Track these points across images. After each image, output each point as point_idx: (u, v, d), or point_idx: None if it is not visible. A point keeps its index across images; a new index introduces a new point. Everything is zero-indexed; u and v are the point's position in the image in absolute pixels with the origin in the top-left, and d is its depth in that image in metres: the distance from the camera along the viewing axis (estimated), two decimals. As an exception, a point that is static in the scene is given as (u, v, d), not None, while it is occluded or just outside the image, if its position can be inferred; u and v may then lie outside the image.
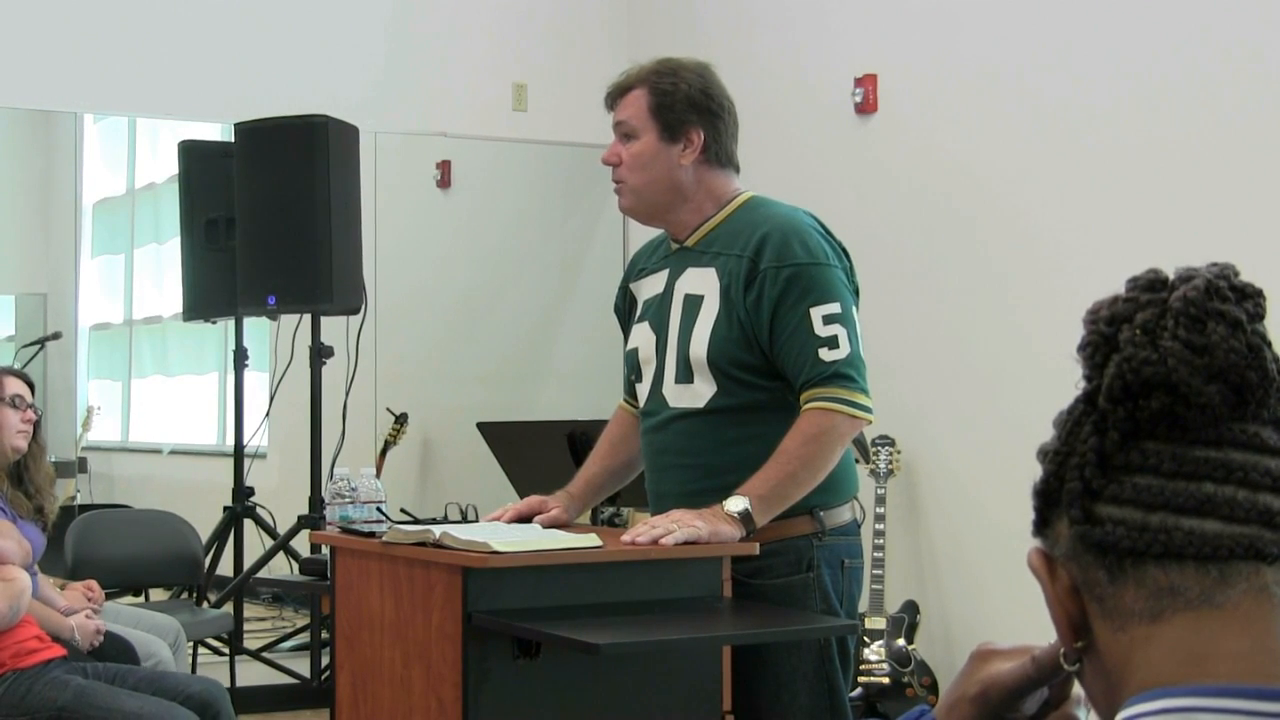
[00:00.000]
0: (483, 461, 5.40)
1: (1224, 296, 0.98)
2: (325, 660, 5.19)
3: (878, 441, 5.18)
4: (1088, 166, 4.80)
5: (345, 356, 5.54)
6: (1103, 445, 0.99)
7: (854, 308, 2.83)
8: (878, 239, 5.19)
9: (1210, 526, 0.95)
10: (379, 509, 3.12)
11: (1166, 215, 4.54)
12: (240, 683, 5.32)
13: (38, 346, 6.35)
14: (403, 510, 3.67)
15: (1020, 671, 1.12)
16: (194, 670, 5.03)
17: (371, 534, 2.89)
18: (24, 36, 5.86)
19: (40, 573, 4.13)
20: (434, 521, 3.02)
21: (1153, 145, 4.61)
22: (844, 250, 2.89)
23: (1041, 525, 1.04)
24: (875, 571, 5.01)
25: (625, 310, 3.09)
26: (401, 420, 6.43)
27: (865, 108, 5.57)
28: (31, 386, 4.37)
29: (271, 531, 5.82)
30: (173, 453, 7.35)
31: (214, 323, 6.30)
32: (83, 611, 4.13)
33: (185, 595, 5.78)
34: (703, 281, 2.86)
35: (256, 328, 6.20)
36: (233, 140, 5.51)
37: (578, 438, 4.75)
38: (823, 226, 2.89)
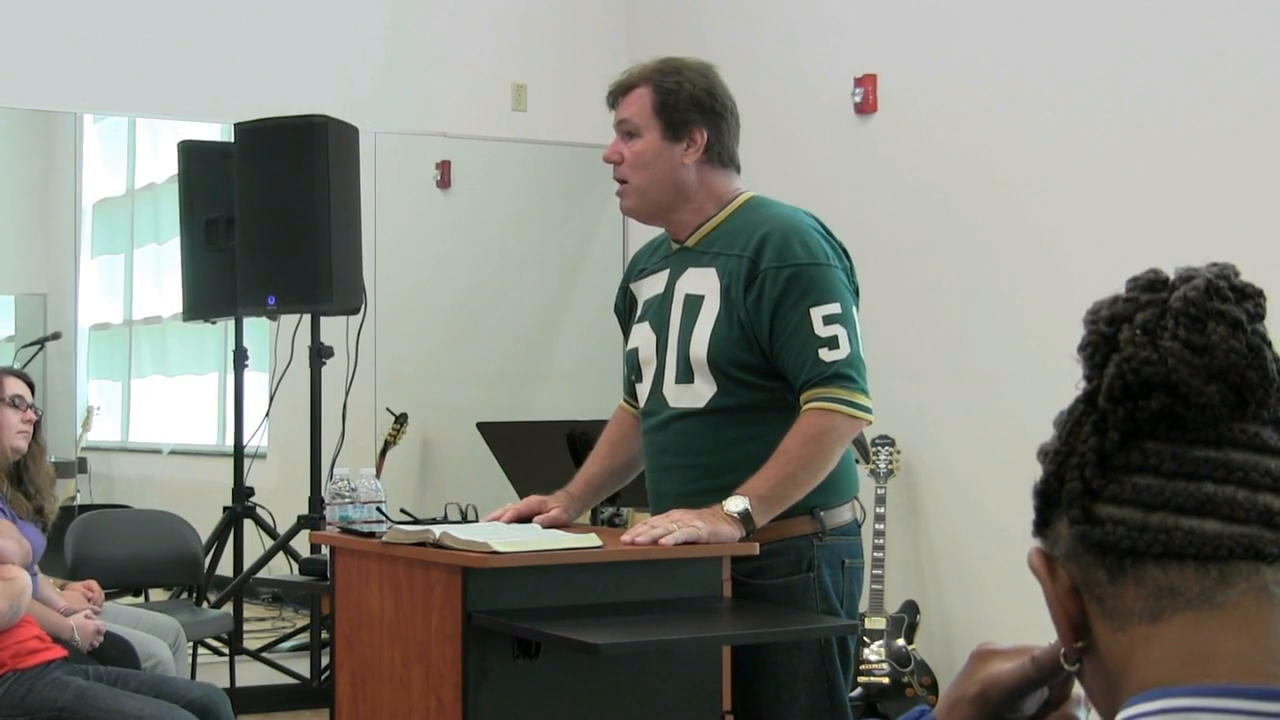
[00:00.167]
0: (483, 461, 5.39)
1: (1224, 296, 0.98)
2: (325, 660, 5.19)
3: (878, 441, 5.18)
4: (1088, 166, 4.80)
5: (345, 356, 5.54)
6: (1103, 445, 0.99)
7: (854, 308, 2.83)
8: (877, 239, 5.19)
9: (1210, 526, 0.95)
10: (379, 509, 3.11)
11: (1167, 215, 4.54)
12: (240, 683, 5.32)
13: (38, 346, 6.34)
14: (403, 510, 3.67)
15: (1020, 671, 1.12)
16: (194, 670, 5.04)
17: (371, 534, 2.89)
18: (24, 36, 5.86)
19: (40, 573, 4.13)
20: (434, 521, 3.02)
21: (1153, 145, 4.61)
22: (844, 250, 2.89)
23: (1041, 525, 1.04)
24: (875, 571, 5.01)
25: (625, 310, 3.09)
26: (401, 420, 6.43)
27: (865, 108, 5.57)
28: (31, 387, 4.37)
29: (271, 531, 5.82)
30: (173, 453, 7.35)
31: (214, 323, 6.30)
32: (83, 612, 4.13)
33: (185, 595, 5.78)
34: (703, 281, 2.86)
35: (256, 328, 6.20)
36: (233, 140, 5.51)
37: (578, 438, 4.75)
38: (823, 227, 2.89)
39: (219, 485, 6.07)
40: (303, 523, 5.49)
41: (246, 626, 6.03)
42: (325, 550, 3.41)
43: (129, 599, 5.43)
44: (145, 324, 7.16)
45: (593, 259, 6.94)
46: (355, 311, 5.50)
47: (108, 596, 4.56)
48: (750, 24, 6.11)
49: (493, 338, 6.90)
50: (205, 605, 5.57)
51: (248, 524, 5.94)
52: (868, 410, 2.77)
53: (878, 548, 5.05)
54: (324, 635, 5.25)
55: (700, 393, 2.83)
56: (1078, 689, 1.12)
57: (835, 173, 5.63)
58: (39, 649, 3.80)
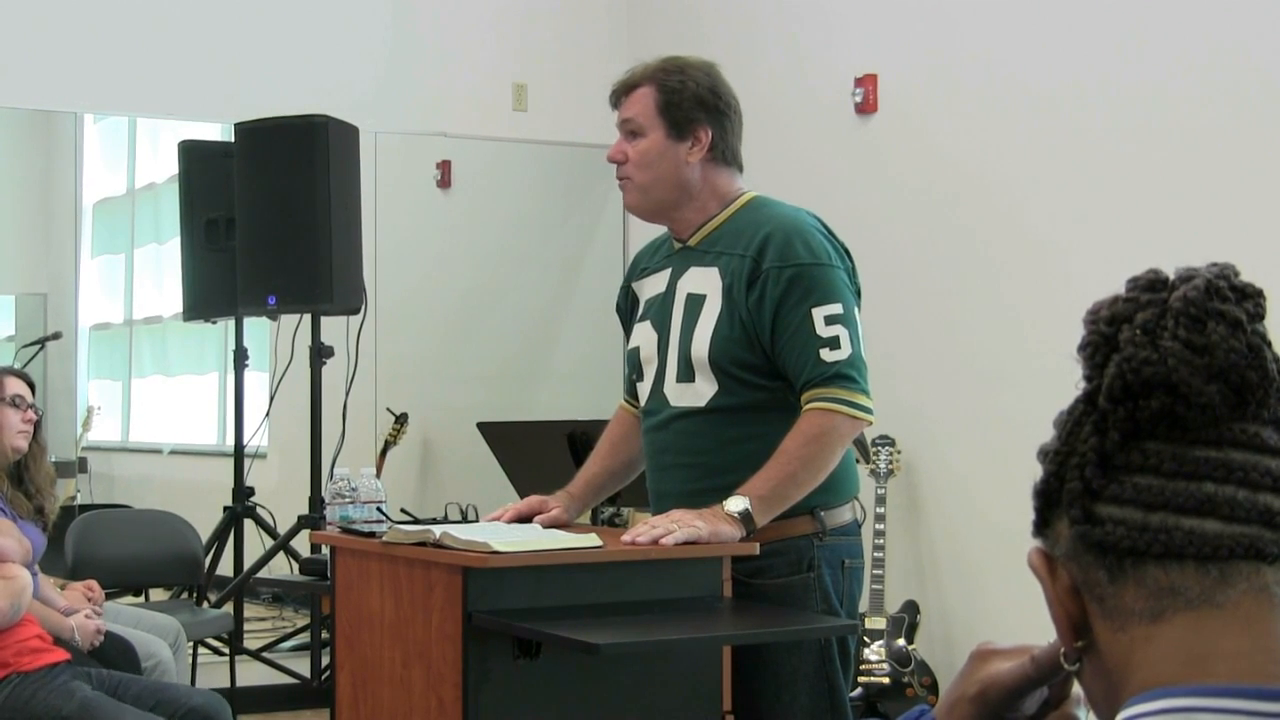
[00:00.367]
0: (483, 461, 5.40)
1: (1224, 296, 0.98)
2: (325, 660, 5.19)
3: (878, 441, 5.18)
4: (1088, 166, 4.80)
5: (345, 356, 5.54)
6: (1103, 445, 0.99)
7: (856, 308, 2.83)
8: (877, 239, 5.19)
9: (1210, 526, 0.95)
10: (379, 509, 3.12)
11: (1166, 215, 4.54)
12: (240, 683, 5.32)
13: (38, 346, 6.35)
14: (403, 510, 3.67)
15: (1020, 671, 1.12)
16: (194, 670, 5.04)
17: (371, 534, 2.89)
18: (24, 36, 5.86)
19: (40, 573, 4.13)
20: (434, 521, 3.02)
21: (1152, 145, 4.61)
22: (846, 251, 2.89)
23: (1042, 525, 1.04)
24: (875, 571, 5.01)
25: (627, 310, 3.09)
26: (401, 420, 6.43)
27: (865, 108, 5.57)
28: (32, 386, 4.38)
29: (271, 531, 5.82)
30: (173, 453, 7.35)
31: (214, 323, 6.30)
32: (83, 611, 4.13)
33: (185, 595, 5.78)
34: (705, 281, 2.87)
35: (256, 328, 6.19)
36: (233, 140, 5.51)
37: (578, 438, 4.75)
38: (825, 227, 2.89)
39: (219, 485, 6.07)
40: (303, 523, 5.49)
41: (247, 626, 6.03)
42: (325, 550, 3.41)
43: (129, 599, 5.43)
44: (145, 324, 7.16)
45: (593, 259, 6.94)
46: (355, 311, 5.50)
47: (108, 596, 4.56)
48: (750, 24, 6.11)
49: (493, 338, 6.90)
50: (205, 605, 5.57)
51: (248, 524, 5.94)
52: (868, 411, 2.77)
53: (878, 548, 5.05)
54: (324, 635, 5.25)
55: (701, 392, 2.83)
56: (1077, 689, 1.12)
57: (835, 173, 5.63)
58: (41, 649, 3.80)
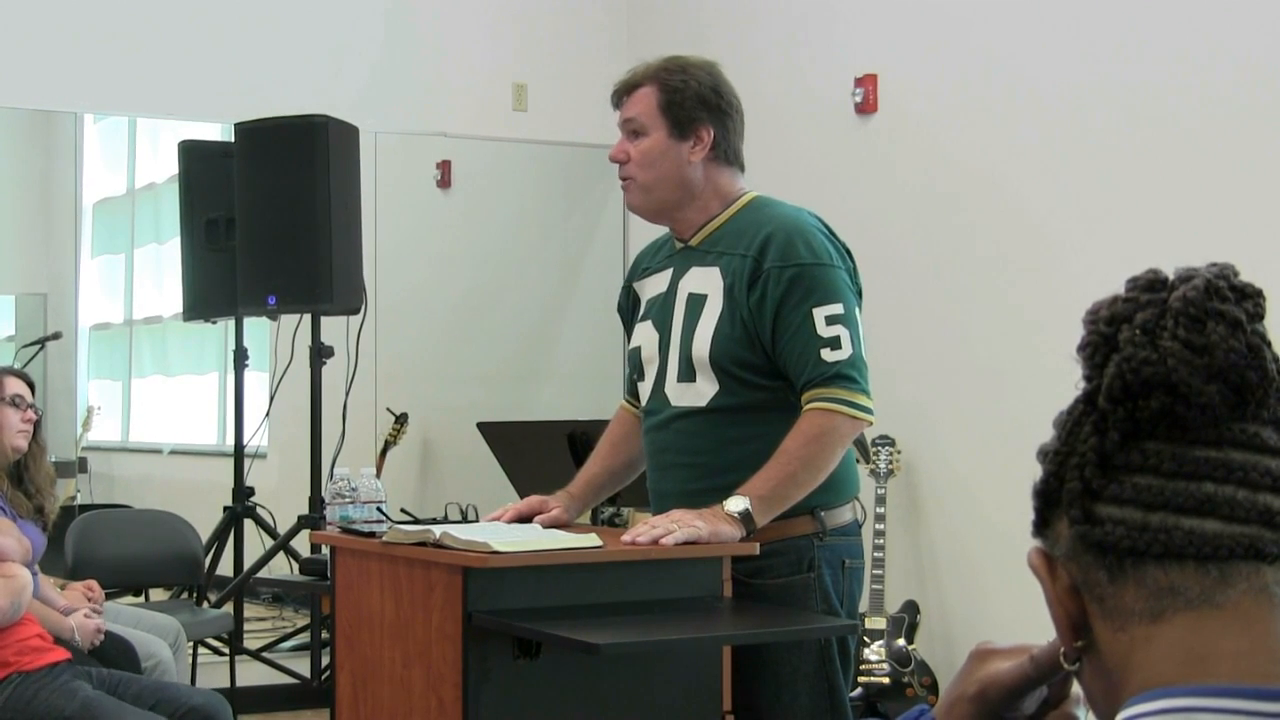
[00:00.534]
0: (483, 461, 5.40)
1: (1224, 296, 0.98)
2: (325, 660, 5.19)
3: (878, 441, 5.18)
4: (1088, 166, 4.80)
5: (345, 356, 5.54)
6: (1103, 445, 0.99)
7: (857, 309, 2.83)
8: (877, 239, 5.18)
9: (1210, 526, 0.95)
10: (379, 509, 3.12)
11: (1167, 215, 4.54)
12: (240, 683, 5.32)
13: (38, 346, 6.35)
14: (403, 510, 3.67)
15: (1019, 671, 1.12)
16: (194, 670, 5.04)
17: (371, 534, 2.89)
18: (24, 36, 5.86)
19: (40, 573, 4.13)
20: (434, 521, 3.02)
21: (1152, 145, 4.61)
22: (848, 251, 2.89)
23: (1041, 525, 1.04)
24: (875, 571, 5.01)
25: (629, 309, 3.10)
26: (401, 420, 6.43)
27: (865, 108, 5.57)
28: (32, 386, 4.38)
29: (271, 531, 5.82)
30: (173, 453, 7.35)
31: (214, 323, 6.30)
32: (83, 610, 4.13)
33: (185, 595, 5.78)
34: (706, 281, 2.87)
35: (256, 328, 6.19)
36: (233, 140, 5.51)
37: (578, 438, 4.75)
38: (827, 227, 2.89)
39: (219, 485, 6.07)
40: (303, 523, 5.49)
41: (247, 626, 6.03)
42: (325, 550, 3.41)
43: (129, 599, 5.43)
44: (145, 324, 7.16)
45: (593, 259, 6.94)
46: (355, 311, 5.50)
47: (108, 596, 4.56)
48: (750, 24, 6.11)
49: (493, 338, 6.90)
50: (205, 605, 5.57)
51: (248, 524, 5.94)
52: (869, 411, 2.77)
53: (878, 548, 5.05)
54: (324, 635, 5.25)
55: (702, 392, 2.83)
56: (1077, 689, 1.12)
57: (835, 173, 5.63)
58: (42, 648, 3.80)
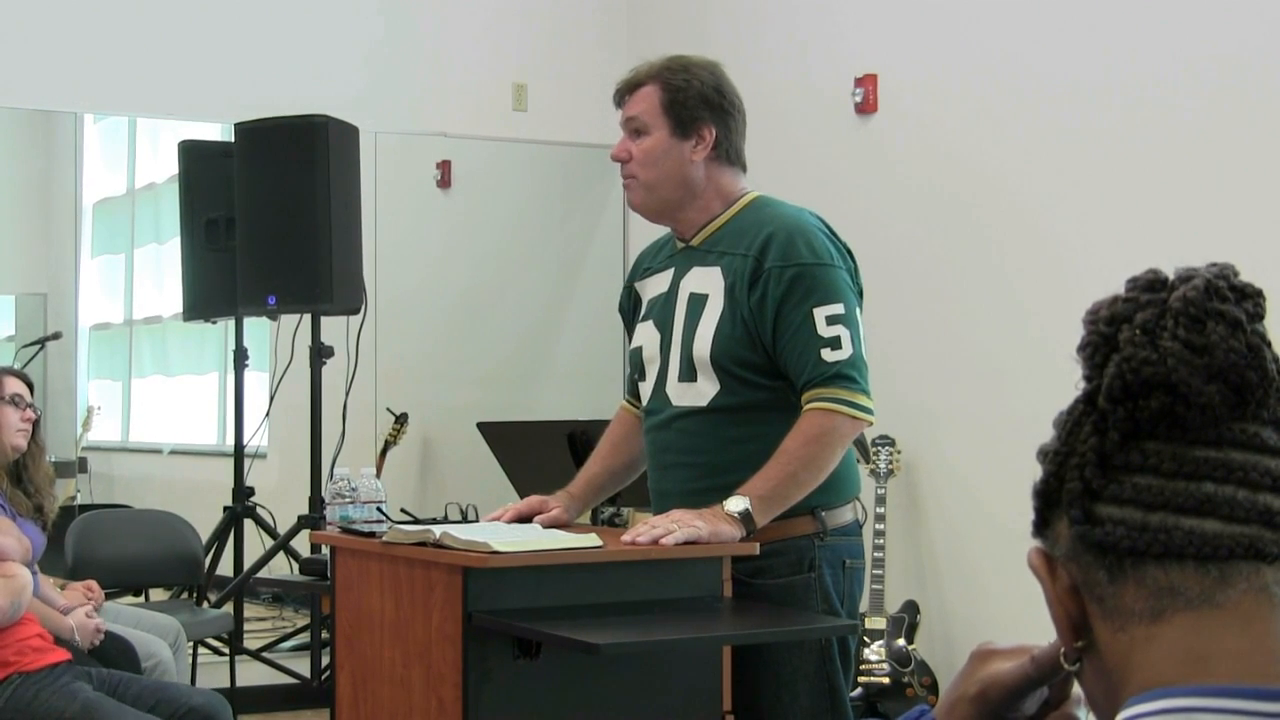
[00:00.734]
0: (483, 461, 5.40)
1: (1224, 296, 0.98)
2: (325, 660, 5.19)
3: (878, 441, 5.18)
4: (1088, 165, 4.80)
5: (345, 356, 5.54)
6: (1103, 445, 0.99)
7: (858, 309, 2.83)
8: (877, 239, 5.18)
9: (1210, 526, 0.95)
10: (379, 509, 3.12)
11: (1167, 215, 4.54)
12: (240, 683, 5.32)
13: (38, 346, 6.35)
14: (403, 510, 3.67)
15: (1020, 671, 1.12)
16: (194, 670, 5.04)
17: (371, 534, 2.89)
18: (24, 36, 5.86)
19: (40, 573, 4.13)
20: (434, 521, 3.02)
21: (1153, 145, 4.61)
22: (849, 251, 2.89)
23: (1041, 525, 1.04)
24: (875, 571, 5.01)
25: (630, 309, 3.10)
26: (401, 420, 6.43)
27: (865, 108, 5.57)
28: (30, 386, 4.38)
29: (271, 531, 5.82)
30: (173, 453, 7.35)
31: (214, 323, 6.30)
32: (82, 610, 4.13)
33: (185, 595, 5.78)
34: (708, 280, 2.87)
35: (256, 328, 6.20)
36: (233, 140, 5.51)
37: (578, 438, 4.75)
38: (828, 227, 2.89)
39: (219, 485, 6.07)
40: (303, 523, 5.49)
41: (247, 626, 6.03)
42: (325, 550, 3.41)
43: (129, 599, 5.42)
44: (145, 324, 7.16)
45: (593, 259, 6.94)
46: (355, 311, 5.50)
47: (108, 596, 4.56)
48: (750, 24, 6.11)
49: (493, 338, 6.90)
50: (205, 605, 5.57)
51: (248, 524, 5.94)
52: (869, 411, 2.77)
53: (878, 548, 5.05)
54: (324, 635, 5.25)
55: (703, 391, 2.83)
56: (1077, 689, 1.12)
57: (835, 173, 5.63)
58: (43, 648, 3.80)
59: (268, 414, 6.10)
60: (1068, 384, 1.03)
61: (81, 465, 6.46)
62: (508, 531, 2.77)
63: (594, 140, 6.14)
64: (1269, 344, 0.99)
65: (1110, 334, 1.00)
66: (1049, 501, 1.02)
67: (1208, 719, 0.92)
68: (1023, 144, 5.01)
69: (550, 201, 7.15)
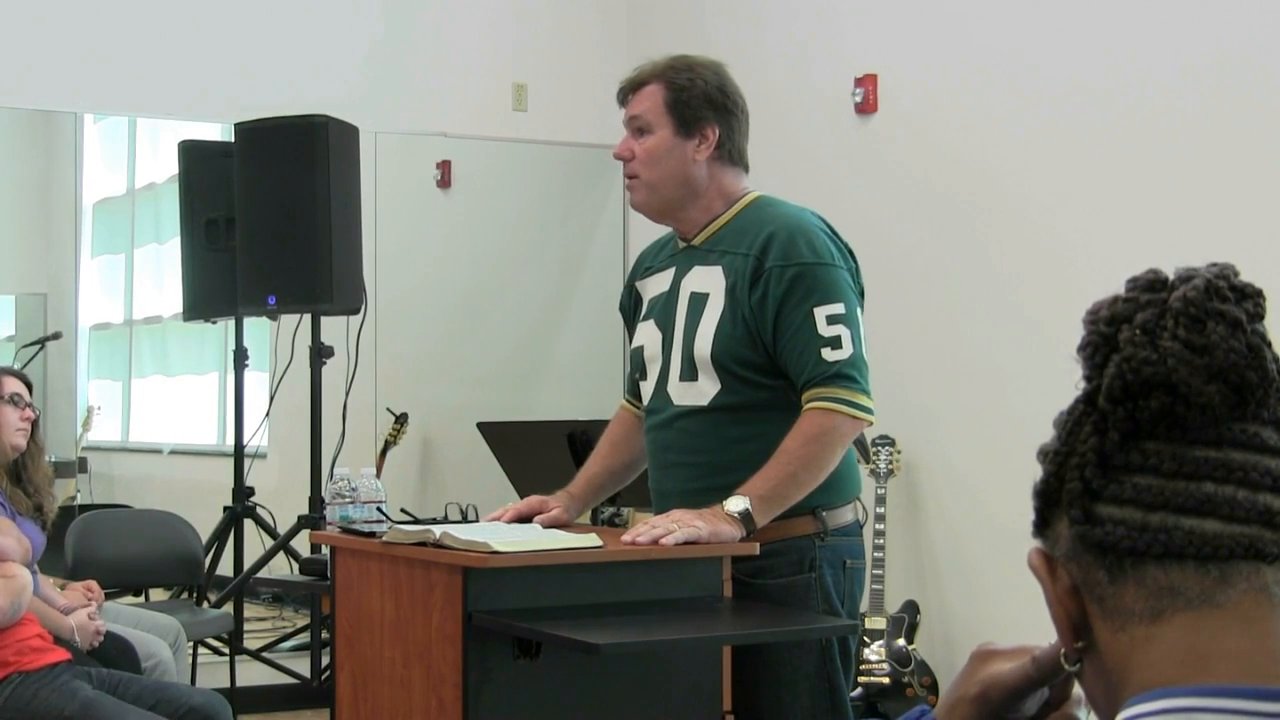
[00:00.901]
0: (483, 461, 5.39)
1: (1224, 296, 0.98)
2: (325, 660, 5.19)
3: (878, 441, 5.18)
4: (1088, 165, 4.80)
5: (345, 356, 5.54)
6: (1103, 445, 0.98)
7: (858, 309, 2.83)
8: (878, 239, 5.18)
9: (1210, 526, 0.95)
10: (379, 509, 3.11)
11: (1168, 215, 4.54)
12: (240, 683, 5.32)
13: (38, 346, 6.35)
14: (403, 510, 3.67)
15: (1020, 672, 1.12)
16: (194, 670, 5.04)
17: (371, 534, 2.89)
18: (24, 36, 5.86)
19: (40, 573, 4.13)
20: (434, 521, 3.02)
21: (1153, 145, 4.61)
22: (850, 251, 2.89)
23: (1041, 525, 1.04)
24: (875, 571, 5.01)
25: (631, 309, 3.10)
26: (401, 420, 6.43)
27: (865, 108, 5.57)
28: (29, 386, 4.38)
29: (271, 531, 5.82)
30: (173, 453, 7.35)
31: (214, 323, 6.30)
32: (82, 610, 4.13)
33: (185, 595, 5.78)
34: (709, 280, 2.87)
35: (256, 328, 6.20)
36: (233, 140, 5.51)
37: (578, 438, 4.74)
38: (829, 227, 2.89)
39: (219, 485, 6.07)
40: (303, 523, 5.49)
41: (247, 626, 6.03)
42: (325, 550, 3.40)
43: (129, 599, 5.42)
44: (145, 324, 7.16)
45: (593, 259, 6.94)
46: (355, 311, 5.50)
47: (108, 596, 4.56)
48: (750, 24, 6.11)
49: (493, 338, 6.90)
50: (205, 605, 5.57)
51: (248, 524, 5.94)
52: (869, 411, 2.77)
53: (878, 548, 5.05)
54: (324, 635, 5.25)
55: (704, 390, 2.83)
56: (1078, 689, 1.12)
57: (835, 173, 5.63)
58: (43, 648, 3.80)
59: (268, 414, 6.10)
60: (1068, 384, 1.03)
61: (81, 465, 6.46)
62: (508, 531, 2.77)
63: (594, 140, 6.15)
64: (1269, 344, 0.99)
65: (1110, 334, 1.00)
66: (1049, 501, 1.02)
67: (1208, 719, 0.92)
68: (1023, 144, 5.01)
69: (550, 201, 7.16)
